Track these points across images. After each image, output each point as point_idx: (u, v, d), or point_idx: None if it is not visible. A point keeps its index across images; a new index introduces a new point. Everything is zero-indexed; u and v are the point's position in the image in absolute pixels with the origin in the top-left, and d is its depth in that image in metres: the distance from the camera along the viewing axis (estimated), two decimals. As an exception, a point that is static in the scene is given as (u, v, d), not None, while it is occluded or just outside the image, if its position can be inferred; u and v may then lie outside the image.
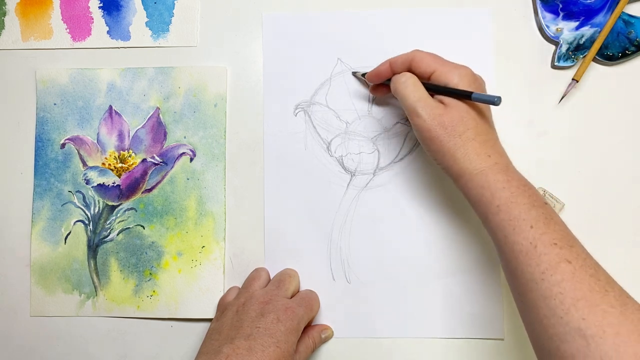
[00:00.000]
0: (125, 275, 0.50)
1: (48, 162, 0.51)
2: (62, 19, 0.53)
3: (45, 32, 0.53)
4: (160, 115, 0.51)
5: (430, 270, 0.49)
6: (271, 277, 0.49)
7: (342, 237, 0.50)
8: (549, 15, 0.50)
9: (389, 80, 0.44)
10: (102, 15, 0.52)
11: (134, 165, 0.51)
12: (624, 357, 0.29)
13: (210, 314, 0.49)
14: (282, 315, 0.42)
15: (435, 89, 0.41)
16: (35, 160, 0.51)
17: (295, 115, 0.51)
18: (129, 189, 0.51)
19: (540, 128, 0.50)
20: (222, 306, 0.48)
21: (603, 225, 0.48)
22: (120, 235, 0.50)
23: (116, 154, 0.51)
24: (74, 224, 0.51)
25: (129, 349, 0.50)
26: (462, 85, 0.40)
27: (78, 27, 0.53)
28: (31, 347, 0.50)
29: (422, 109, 0.40)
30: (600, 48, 0.49)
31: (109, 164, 0.51)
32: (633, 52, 0.49)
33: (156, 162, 0.51)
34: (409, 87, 0.41)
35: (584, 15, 0.49)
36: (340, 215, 0.50)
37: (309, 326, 0.47)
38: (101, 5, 0.53)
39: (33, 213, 0.51)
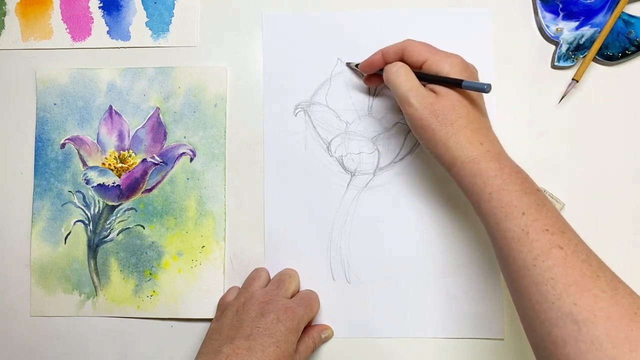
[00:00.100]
0: (125, 275, 0.50)
1: (48, 162, 0.51)
2: (62, 19, 0.53)
3: (45, 32, 0.53)
4: (160, 115, 0.51)
5: (430, 270, 0.49)
6: (271, 277, 0.49)
7: (342, 237, 0.50)
8: (549, 15, 0.50)
9: (382, 70, 0.44)
10: (102, 15, 0.52)
11: (134, 165, 0.51)
12: (615, 341, 0.29)
13: (210, 314, 0.49)
14: (282, 315, 0.42)
15: (426, 78, 0.42)
16: (35, 160, 0.51)
17: (295, 115, 0.51)
18: (129, 189, 0.51)
19: (540, 128, 0.50)
20: (222, 306, 0.48)
21: (603, 225, 0.48)
22: (120, 235, 0.50)
23: (116, 154, 0.51)
24: (74, 224, 0.51)
25: (129, 349, 0.50)
26: (454, 73, 0.40)
27: (78, 27, 0.53)
28: (31, 347, 0.50)
29: (413, 98, 0.40)
30: (600, 48, 0.49)
31: (109, 164, 0.51)
32: (633, 52, 0.49)
33: (156, 162, 0.51)
34: (401, 77, 0.41)
35: (584, 15, 0.49)
36: (340, 215, 0.50)
37: (309, 326, 0.47)
38: (101, 5, 0.53)
39: (33, 213, 0.51)
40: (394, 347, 0.48)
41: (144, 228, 0.50)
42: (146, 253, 0.50)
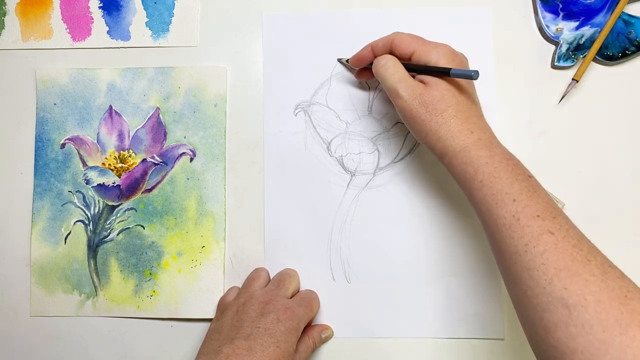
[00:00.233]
0: (125, 275, 0.50)
1: (48, 162, 0.51)
2: (62, 19, 0.53)
3: (45, 32, 0.53)
4: (160, 115, 0.51)
5: (430, 270, 0.49)
6: (271, 277, 0.49)
7: (342, 237, 0.50)
8: (549, 15, 0.50)
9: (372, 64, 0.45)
10: (102, 15, 0.52)
11: (134, 165, 0.51)
12: (605, 324, 0.29)
13: (210, 314, 0.49)
14: (282, 315, 0.42)
15: (415, 69, 0.42)
16: (35, 160, 0.51)
17: (295, 115, 0.51)
18: (129, 189, 0.51)
19: (540, 128, 0.50)
20: (222, 306, 0.48)
21: (603, 225, 0.48)
22: (120, 235, 0.50)
23: (116, 154, 0.51)
24: (74, 224, 0.51)
25: (129, 349, 0.50)
26: (442, 62, 0.40)
27: (78, 27, 0.53)
28: (31, 347, 0.50)
29: (402, 90, 0.40)
30: (600, 48, 0.49)
31: (109, 164, 0.51)
32: (633, 52, 0.49)
33: (156, 162, 0.51)
34: (389, 69, 0.42)
35: (584, 15, 0.49)
36: (340, 215, 0.50)
37: (309, 326, 0.47)
38: (101, 5, 0.53)
39: (33, 213, 0.51)
40: (394, 347, 0.48)
41: (144, 228, 0.50)
42: (146, 253, 0.50)
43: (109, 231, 0.51)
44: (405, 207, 0.49)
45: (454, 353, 0.48)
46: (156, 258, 0.50)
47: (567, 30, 0.49)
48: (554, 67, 0.50)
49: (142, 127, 0.51)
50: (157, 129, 0.51)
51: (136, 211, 0.51)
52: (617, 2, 0.48)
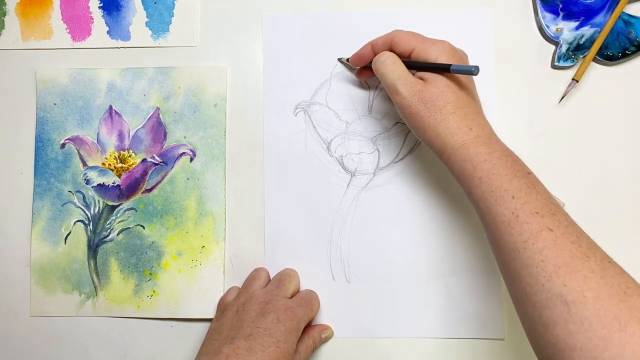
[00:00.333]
0: (125, 275, 0.50)
1: (48, 162, 0.51)
2: (62, 19, 0.53)
3: (45, 32, 0.53)
4: (160, 115, 0.51)
5: (430, 270, 0.49)
6: (271, 277, 0.49)
7: (342, 237, 0.50)
8: (549, 15, 0.50)
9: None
10: (102, 15, 0.52)
11: (134, 165, 0.51)
12: (604, 321, 0.29)
13: (210, 314, 0.49)
14: (282, 315, 0.42)
15: (415, 66, 0.42)
16: (35, 160, 0.51)
17: (295, 115, 0.51)
18: (129, 189, 0.51)
19: (540, 128, 0.50)
20: (222, 306, 0.48)
21: (603, 225, 0.48)
22: (120, 235, 0.50)
23: (116, 154, 0.51)
24: (74, 224, 0.51)
25: (129, 349, 0.50)
26: (442, 59, 0.40)
27: (78, 27, 0.53)
28: (31, 347, 0.50)
29: (401, 86, 0.40)
30: (600, 48, 0.49)
31: (109, 164, 0.51)
32: (633, 52, 0.49)
33: (156, 162, 0.51)
34: (389, 66, 0.42)
35: (584, 15, 0.49)
36: (340, 215, 0.50)
37: (309, 326, 0.47)
38: (101, 5, 0.53)
39: (33, 213, 0.51)
40: (394, 347, 0.48)
41: (144, 228, 0.50)
42: (146, 253, 0.50)
43: (109, 231, 0.51)
44: (405, 207, 0.49)
45: (453, 353, 0.48)
46: (156, 258, 0.50)
47: (567, 30, 0.49)
48: (554, 67, 0.50)
49: (142, 127, 0.51)
50: (157, 129, 0.51)
51: (136, 211, 0.51)
52: (617, 2, 0.48)
